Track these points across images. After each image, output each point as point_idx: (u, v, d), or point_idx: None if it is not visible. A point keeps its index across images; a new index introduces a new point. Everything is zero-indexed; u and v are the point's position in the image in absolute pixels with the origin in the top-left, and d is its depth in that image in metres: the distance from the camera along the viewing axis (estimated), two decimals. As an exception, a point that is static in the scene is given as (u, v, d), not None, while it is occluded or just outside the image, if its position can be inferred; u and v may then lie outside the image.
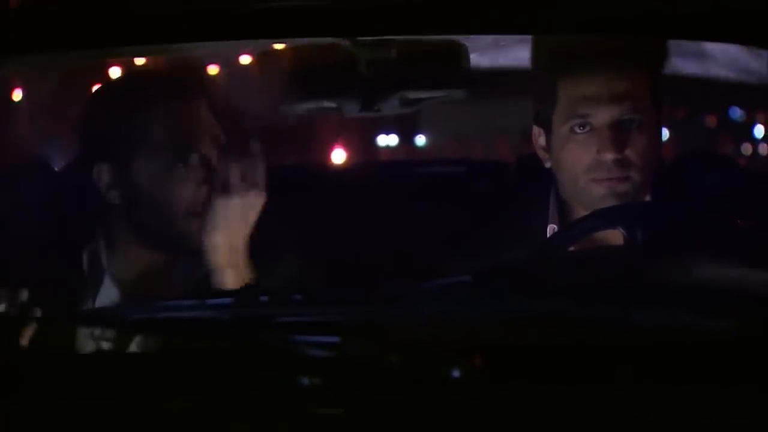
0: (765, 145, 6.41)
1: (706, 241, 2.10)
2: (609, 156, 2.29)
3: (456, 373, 1.52)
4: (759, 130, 6.54)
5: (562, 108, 2.35)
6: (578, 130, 2.33)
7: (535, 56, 2.47)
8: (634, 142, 2.30)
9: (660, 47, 2.37)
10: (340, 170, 3.71)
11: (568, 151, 2.34)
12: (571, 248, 2.18)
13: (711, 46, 2.22)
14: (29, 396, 1.55)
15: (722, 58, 2.40)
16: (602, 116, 2.31)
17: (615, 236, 2.24)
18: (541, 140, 2.41)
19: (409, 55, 2.31)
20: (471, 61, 2.38)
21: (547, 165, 2.41)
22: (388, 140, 5.71)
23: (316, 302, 1.66)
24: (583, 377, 1.55)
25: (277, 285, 2.23)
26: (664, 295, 1.68)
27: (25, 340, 1.71)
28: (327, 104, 2.52)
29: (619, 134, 2.30)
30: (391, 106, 2.44)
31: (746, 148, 6.33)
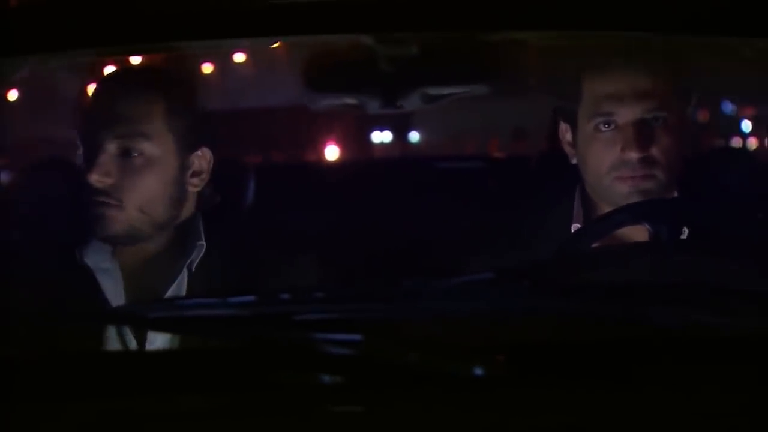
0: (754, 139, 6.41)
1: (730, 239, 2.09)
2: (633, 154, 2.29)
3: (476, 371, 1.51)
4: (747, 125, 6.54)
5: (587, 105, 2.35)
6: (603, 128, 2.32)
7: (560, 53, 2.46)
8: (658, 140, 2.30)
9: (684, 45, 2.36)
10: (361, 167, 3.71)
11: (593, 149, 2.34)
12: (594, 246, 2.17)
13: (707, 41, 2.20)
14: (44, 395, 1.55)
15: (717, 52, 2.39)
16: (626, 114, 2.30)
17: (637, 234, 2.23)
18: (568, 136, 2.41)
19: (431, 51, 2.30)
20: (493, 57, 2.37)
21: (574, 161, 2.40)
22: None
23: (335, 300, 1.66)
24: (605, 376, 1.54)
25: (297, 281, 2.23)
26: (686, 293, 1.67)
27: (38, 339, 1.71)
28: (349, 101, 2.52)
29: (643, 132, 2.29)
30: (412, 103, 2.44)
31: (736, 143, 6.31)
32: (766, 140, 6.13)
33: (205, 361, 1.60)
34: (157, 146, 2.25)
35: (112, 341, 2.11)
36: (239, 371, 1.55)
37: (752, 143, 6.31)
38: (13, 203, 2.44)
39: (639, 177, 2.30)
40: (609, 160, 2.31)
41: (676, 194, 2.36)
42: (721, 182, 2.38)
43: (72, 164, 2.45)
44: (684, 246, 2.18)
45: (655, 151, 2.30)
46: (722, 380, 1.52)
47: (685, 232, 2.23)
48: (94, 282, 2.25)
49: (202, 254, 2.27)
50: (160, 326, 1.84)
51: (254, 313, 1.63)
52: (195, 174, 2.30)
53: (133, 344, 2.13)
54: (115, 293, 2.25)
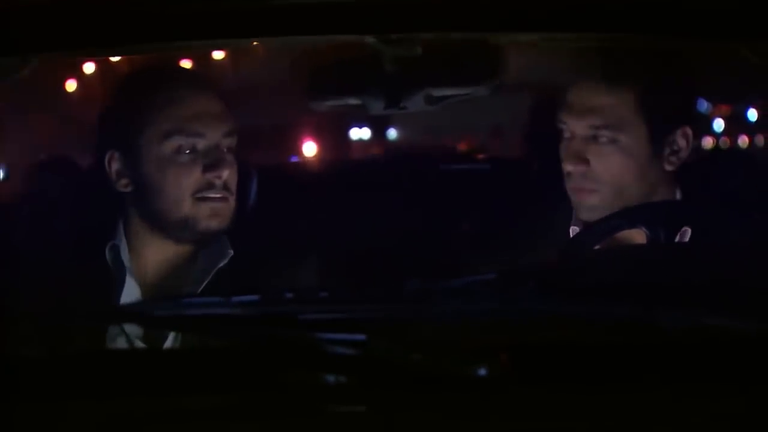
0: (726, 138, 6.43)
1: (731, 240, 2.09)
2: (578, 168, 2.31)
3: (480, 373, 1.52)
4: (719, 124, 6.56)
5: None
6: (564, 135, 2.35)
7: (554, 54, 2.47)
8: (605, 156, 2.30)
9: (653, 56, 2.36)
10: (366, 168, 3.71)
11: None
12: (596, 247, 2.18)
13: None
14: (48, 394, 1.55)
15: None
16: (577, 127, 2.31)
17: (639, 235, 2.24)
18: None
19: (435, 52, 2.31)
20: (498, 59, 2.38)
21: None
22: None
23: (340, 300, 1.66)
24: (609, 378, 1.54)
25: (303, 282, 2.24)
26: (689, 294, 1.67)
27: (48, 339, 1.71)
28: (353, 101, 2.52)
29: (588, 146, 2.31)
30: (416, 104, 2.44)
31: (708, 142, 6.32)
32: (738, 139, 6.15)
33: (210, 361, 1.60)
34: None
35: (117, 340, 2.11)
36: (244, 371, 1.56)
37: (725, 143, 6.32)
38: (23, 202, 2.45)
39: (585, 191, 2.32)
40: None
41: (678, 196, 2.37)
42: (720, 183, 2.38)
43: (78, 163, 2.46)
44: (687, 247, 2.19)
45: (597, 166, 2.30)
46: (727, 381, 1.52)
47: (688, 233, 2.24)
48: (111, 281, 2.25)
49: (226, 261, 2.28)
50: (163, 325, 1.84)
51: (259, 312, 1.63)
52: None
53: (136, 343, 2.13)
54: (133, 292, 2.25)
